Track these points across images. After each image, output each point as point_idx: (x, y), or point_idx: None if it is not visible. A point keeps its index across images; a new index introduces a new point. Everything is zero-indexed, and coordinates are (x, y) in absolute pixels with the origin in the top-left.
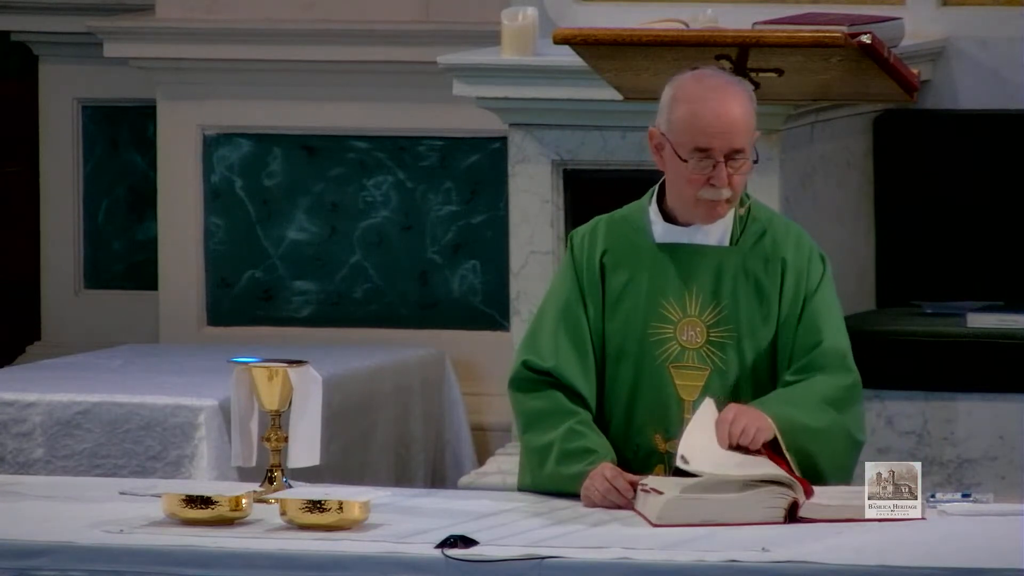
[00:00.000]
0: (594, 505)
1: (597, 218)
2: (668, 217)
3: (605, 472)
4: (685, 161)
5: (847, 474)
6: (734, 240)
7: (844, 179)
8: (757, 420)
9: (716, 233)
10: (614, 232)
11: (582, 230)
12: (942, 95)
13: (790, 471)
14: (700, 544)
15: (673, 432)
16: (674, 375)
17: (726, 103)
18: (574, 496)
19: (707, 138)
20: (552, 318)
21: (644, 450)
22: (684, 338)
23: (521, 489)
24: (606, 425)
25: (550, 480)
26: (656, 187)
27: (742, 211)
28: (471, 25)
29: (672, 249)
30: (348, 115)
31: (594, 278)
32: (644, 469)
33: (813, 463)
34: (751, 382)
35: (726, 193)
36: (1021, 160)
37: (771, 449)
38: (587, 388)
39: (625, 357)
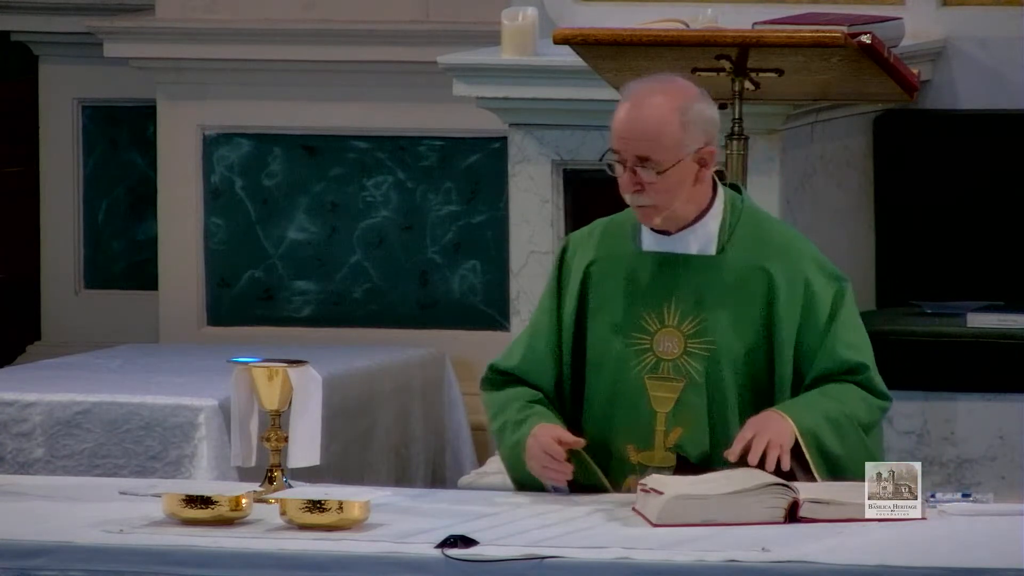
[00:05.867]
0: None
1: (596, 222)
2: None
3: (538, 438)
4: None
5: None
6: (720, 248)
7: (844, 179)
8: (778, 435)
9: (700, 241)
10: (607, 239)
11: (576, 237)
12: (942, 95)
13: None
14: (700, 544)
15: (645, 444)
16: (648, 386)
17: (639, 108)
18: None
19: (616, 140)
20: (528, 324)
21: (617, 460)
22: (661, 349)
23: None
24: (582, 434)
25: (508, 457)
26: None
27: (728, 216)
28: (471, 25)
29: (655, 258)
30: (348, 115)
31: (578, 287)
32: (617, 479)
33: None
34: (726, 395)
35: (640, 200)
36: (1021, 160)
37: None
38: (548, 386)
39: (604, 366)
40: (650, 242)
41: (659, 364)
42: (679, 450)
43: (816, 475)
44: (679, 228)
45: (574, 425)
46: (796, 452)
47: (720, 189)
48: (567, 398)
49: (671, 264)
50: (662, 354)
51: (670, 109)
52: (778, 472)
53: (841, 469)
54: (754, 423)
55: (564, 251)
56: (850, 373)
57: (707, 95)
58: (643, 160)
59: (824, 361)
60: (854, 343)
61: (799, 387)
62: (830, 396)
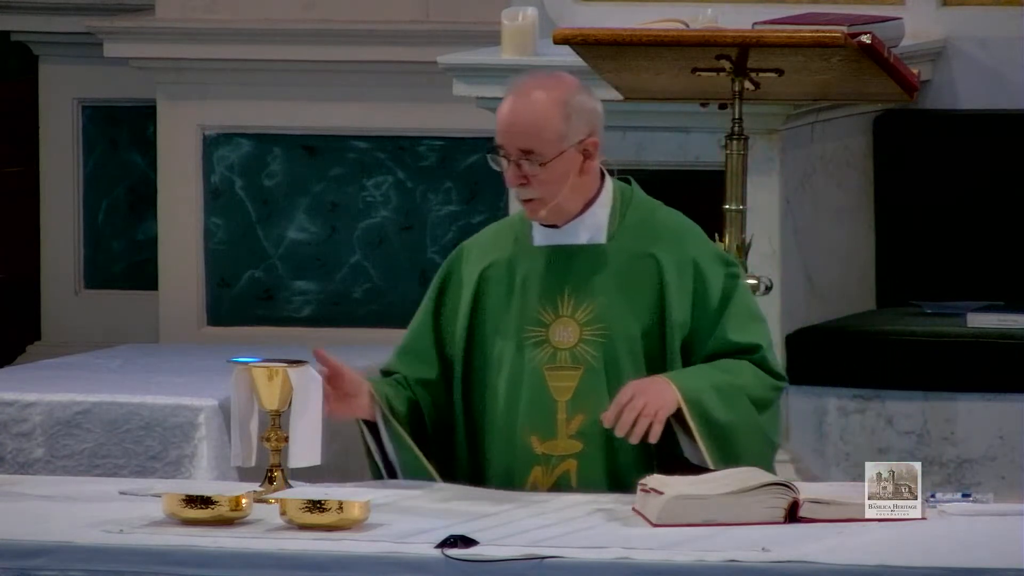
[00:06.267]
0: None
1: (488, 227)
2: None
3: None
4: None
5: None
6: (611, 235)
7: (844, 179)
8: (657, 398)
9: (590, 230)
10: (499, 241)
11: (469, 245)
12: (942, 95)
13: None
14: (700, 544)
15: (549, 433)
16: (548, 377)
17: (521, 103)
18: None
19: (499, 135)
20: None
21: (522, 452)
22: (557, 339)
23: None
24: (486, 433)
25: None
26: None
27: (618, 204)
28: (471, 25)
29: (547, 251)
30: (348, 115)
31: (472, 291)
32: (523, 472)
33: (726, 447)
34: (624, 379)
35: (525, 193)
36: (1021, 160)
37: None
38: (430, 376)
39: (503, 364)
40: (541, 237)
41: (556, 354)
42: (581, 437)
43: (700, 443)
44: (567, 220)
45: (476, 424)
46: (683, 419)
47: (608, 180)
48: (458, 401)
49: (562, 255)
50: (559, 344)
51: (551, 102)
52: (662, 450)
53: (728, 438)
54: (635, 385)
55: (455, 260)
56: (743, 354)
57: (589, 88)
58: (526, 153)
59: (715, 344)
60: (746, 326)
61: None
62: (721, 368)
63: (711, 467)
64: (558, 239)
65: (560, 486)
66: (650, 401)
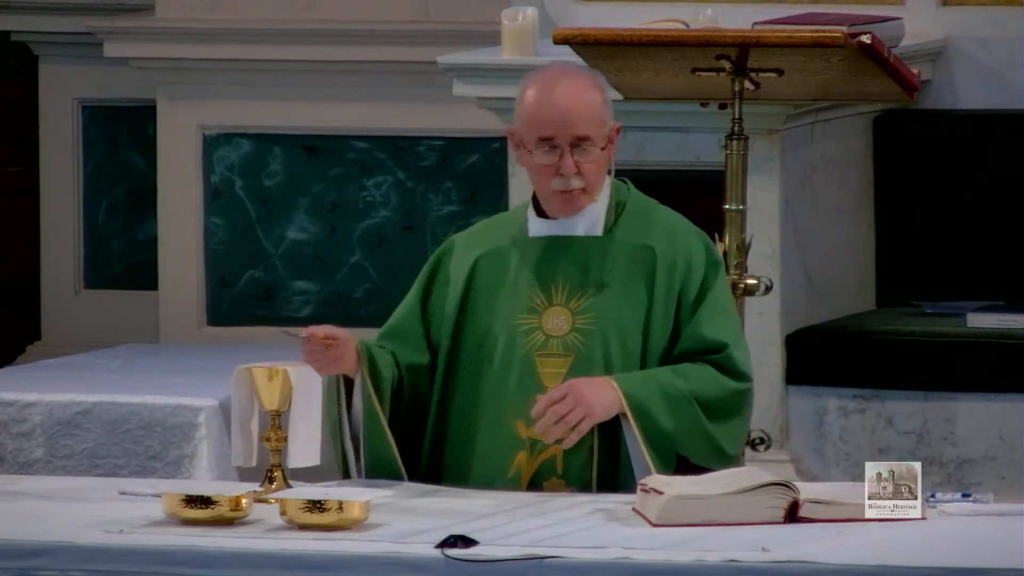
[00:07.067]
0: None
1: (482, 221)
2: (543, 214)
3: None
4: (532, 153)
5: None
6: (607, 229)
7: (844, 179)
8: (587, 405)
9: (586, 223)
10: (494, 232)
11: (461, 237)
12: (942, 95)
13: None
14: (700, 544)
15: (534, 420)
16: (538, 363)
17: (565, 91)
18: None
19: (548, 127)
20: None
21: (507, 437)
22: (549, 327)
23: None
24: (476, 417)
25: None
26: None
27: (613, 200)
28: (471, 25)
29: (542, 241)
30: (348, 115)
31: (464, 279)
32: (507, 456)
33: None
34: (614, 369)
35: (576, 182)
36: (1021, 160)
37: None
38: (412, 354)
39: (494, 349)
40: (537, 228)
41: (548, 341)
42: (567, 424)
43: (643, 450)
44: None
45: (461, 415)
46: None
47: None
48: (437, 388)
49: (558, 245)
50: (551, 331)
51: (594, 87)
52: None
53: (672, 446)
54: (573, 385)
55: (445, 250)
56: (711, 352)
57: None
58: (581, 140)
59: (687, 341)
60: (718, 323)
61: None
62: (677, 373)
63: (654, 472)
64: (555, 230)
65: (543, 472)
66: (579, 406)
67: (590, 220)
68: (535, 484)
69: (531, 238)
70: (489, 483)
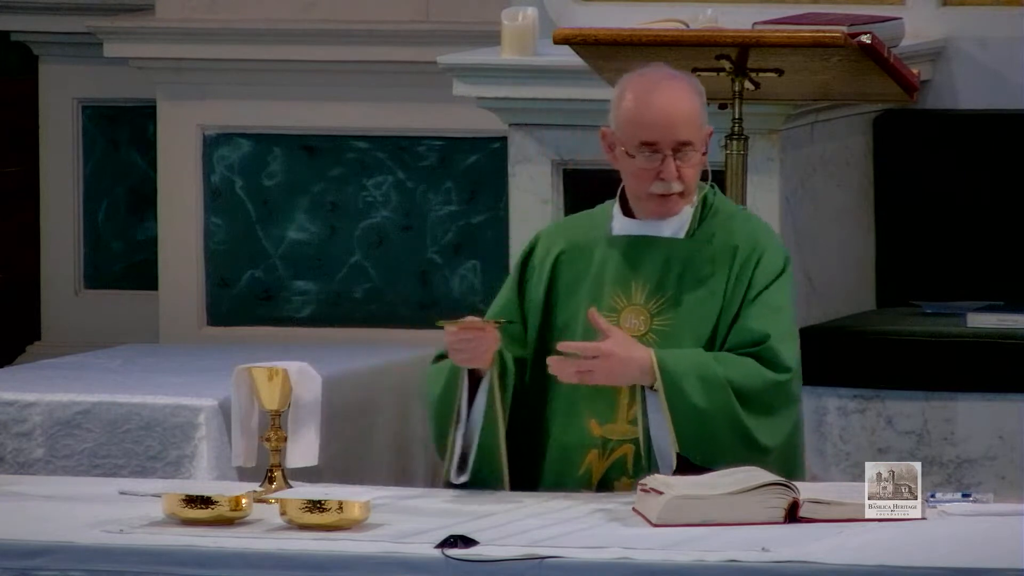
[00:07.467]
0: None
1: (567, 217)
2: (629, 213)
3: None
4: (633, 157)
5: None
6: (691, 233)
7: (844, 179)
8: (612, 374)
9: (672, 226)
10: (577, 229)
11: (545, 232)
12: (942, 95)
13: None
14: (700, 544)
15: (608, 417)
16: None
17: (669, 96)
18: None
19: (651, 132)
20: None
21: (581, 435)
22: (627, 325)
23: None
24: (551, 414)
25: (434, 381)
26: (622, 184)
27: (700, 204)
28: (471, 25)
29: (626, 240)
30: (348, 115)
31: (548, 274)
32: (579, 454)
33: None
34: None
35: (676, 187)
36: (1021, 160)
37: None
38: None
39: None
40: (622, 227)
41: None
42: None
43: (669, 423)
44: None
45: (538, 412)
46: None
47: None
48: (528, 383)
49: (641, 245)
50: (628, 330)
51: (693, 92)
52: None
53: (698, 428)
54: (611, 348)
55: (532, 247)
56: (754, 345)
57: None
58: (684, 145)
59: (733, 336)
60: (766, 318)
61: None
62: (719, 359)
63: (678, 451)
64: (640, 230)
65: (614, 470)
66: (599, 375)
67: (676, 222)
68: (605, 483)
69: (615, 236)
70: (560, 479)
